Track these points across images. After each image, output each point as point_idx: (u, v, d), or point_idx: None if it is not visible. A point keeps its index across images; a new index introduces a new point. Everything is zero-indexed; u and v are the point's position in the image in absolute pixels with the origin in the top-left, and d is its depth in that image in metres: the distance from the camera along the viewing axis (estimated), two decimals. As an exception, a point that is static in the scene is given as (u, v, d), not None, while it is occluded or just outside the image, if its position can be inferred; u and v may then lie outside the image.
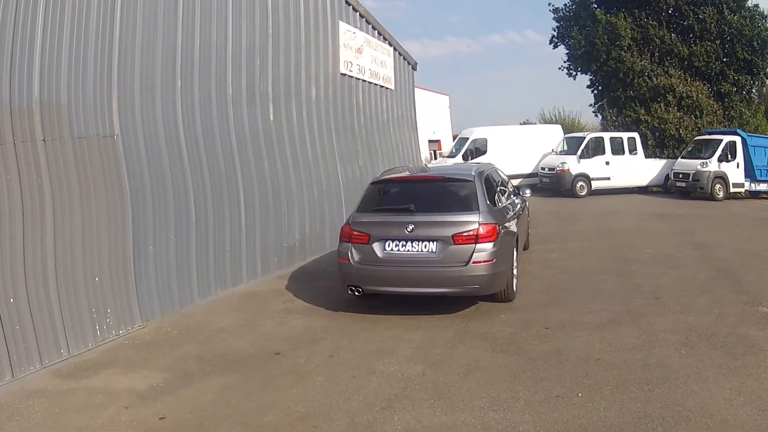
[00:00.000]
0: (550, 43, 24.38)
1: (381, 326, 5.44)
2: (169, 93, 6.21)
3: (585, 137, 18.24)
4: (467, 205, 5.67)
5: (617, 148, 17.92)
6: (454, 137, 26.08)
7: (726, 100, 21.07)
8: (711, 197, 16.00)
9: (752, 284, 6.59)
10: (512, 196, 7.49)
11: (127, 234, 5.53)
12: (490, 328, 5.30)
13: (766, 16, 20.74)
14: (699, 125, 19.77)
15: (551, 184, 17.71)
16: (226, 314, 6.00)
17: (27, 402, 3.97)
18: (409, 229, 5.50)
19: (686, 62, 21.29)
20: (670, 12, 21.99)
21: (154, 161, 5.93)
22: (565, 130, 21.17)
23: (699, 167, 16.25)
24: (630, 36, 21.15)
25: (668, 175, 17.61)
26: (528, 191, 8.28)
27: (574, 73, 23.73)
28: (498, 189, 6.67)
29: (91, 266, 5.12)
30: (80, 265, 5.01)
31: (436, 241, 5.46)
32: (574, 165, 17.43)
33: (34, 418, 3.77)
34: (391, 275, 5.51)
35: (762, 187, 16.82)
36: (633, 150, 18.02)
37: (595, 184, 17.54)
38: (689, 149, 17.66)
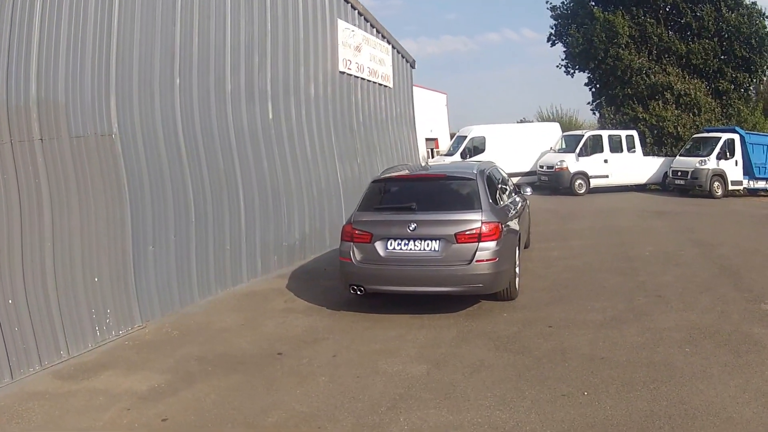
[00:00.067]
0: (548, 41, 24.36)
1: (383, 325, 5.40)
2: (167, 91, 6.16)
3: (583, 135, 18.24)
4: (469, 203, 5.63)
5: (616, 146, 17.92)
6: (451, 136, 26.06)
7: (724, 97, 21.07)
8: (709, 195, 16.03)
9: (754, 282, 6.59)
10: (513, 194, 7.46)
11: (126, 233, 5.47)
12: (494, 327, 5.27)
13: (763, 14, 20.74)
14: (697, 123, 19.77)
15: (550, 183, 17.71)
16: (226, 314, 5.95)
17: (27, 404, 3.92)
18: (411, 228, 5.47)
19: (684, 60, 21.29)
20: (667, 10, 21.98)
21: (152, 160, 5.87)
22: (563, 128, 21.17)
23: (697, 165, 16.27)
24: (628, 34, 21.13)
25: (666, 173, 17.62)
26: (529, 189, 8.26)
27: (572, 71, 23.70)
28: (499, 187, 6.64)
29: (90, 266, 5.07)
30: (79, 265, 4.96)
31: (439, 239, 5.42)
32: (572, 163, 17.43)
33: (35, 421, 3.72)
34: (394, 274, 5.47)
35: (760, 184, 16.87)
36: (631, 148, 18.02)
37: (593, 182, 17.55)
38: (687, 147, 17.68)
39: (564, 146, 18.45)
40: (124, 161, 5.49)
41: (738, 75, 21.00)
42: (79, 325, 4.90)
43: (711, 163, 16.16)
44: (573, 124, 28.85)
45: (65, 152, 4.90)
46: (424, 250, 5.45)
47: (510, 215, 6.24)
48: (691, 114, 20.11)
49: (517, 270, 6.16)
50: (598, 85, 23.27)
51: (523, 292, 6.27)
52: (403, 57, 13.70)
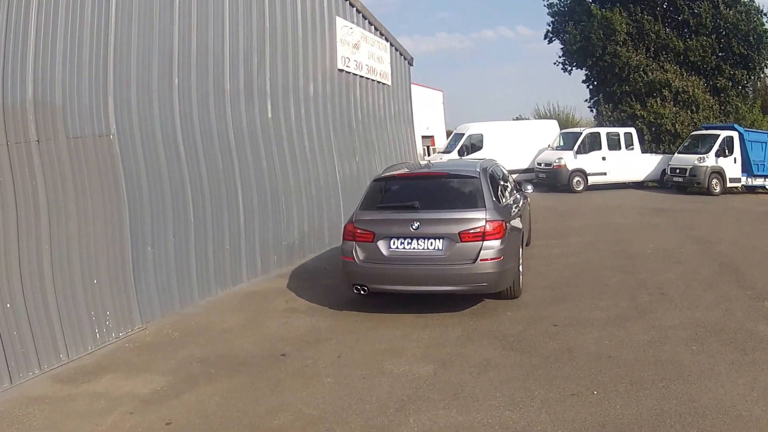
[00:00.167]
0: (545, 38, 24.37)
1: (387, 325, 5.35)
2: (165, 91, 6.09)
3: (582, 133, 18.25)
4: (473, 201, 5.59)
5: (614, 144, 17.93)
6: (448, 133, 26.03)
7: (722, 94, 21.08)
8: (708, 192, 16.06)
9: (756, 279, 6.57)
10: (515, 192, 7.42)
11: (125, 235, 5.40)
12: (499, 326, 5.23)
13: (761, 11, 20.78)
14: (695, 120, 19.80)
15: (548, 180, 17.71)
16: (227, 314, 5.89)
17: (27, 409, 3.85)
18: (414, 227, 5.42)
19: (682, 57, 21.30)
20: (665, 7, 22.01)
21: (151, 161, 5.80)
22: (560, 126, 21.17)
23: (696, 162, 16.29)
24: (625, 31, 21.13)
25: (665, 170, 17.65)
26: (530, 187, 8.22)
27: (570, 68, 23.71)
28: (502, 185, 6.60)
29: (89, 268, 5.00)
30: (77, 267, 4.89)
31: (443, 238, 5.38)
32: (570, 160, 17.43)
33: (36, 426, 3.65)
34: (398, 273, 5.43)
35: (758, 181, 16.90)
36: (630, 145, 18.03)
37: (591, 180, 17.56)
38: (686, 144, 17.71)
39: (562, 144, 18.45)
40: (122, 162, 5.41)
41: (736, 72, 21.01)
42: (79, 327, 4.83)
43: (710, 160, 16.18)
44: (570, 121, 28.89)
45: (62, 154, 4.82)
46: (428, 249, 5.40)
47: (513, 213, 6.20)
48: (689, 111, 20.13)
49: (520, 268, 6.12)
50: (595, 82, 23.30)
51: (525, 291, 6.24)
52: (401, 54, 13.65)
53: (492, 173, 6.30)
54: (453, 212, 5.50)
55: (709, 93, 20.84)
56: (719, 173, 16.25)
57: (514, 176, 8.40)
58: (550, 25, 24.04)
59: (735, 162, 16.44)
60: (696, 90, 20.29)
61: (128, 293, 5.39)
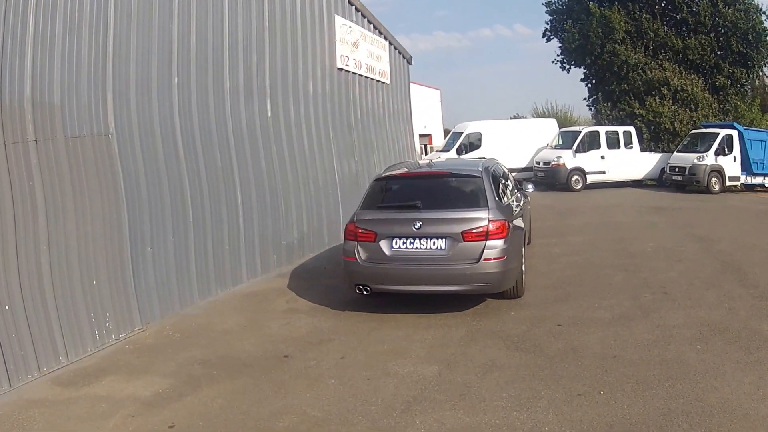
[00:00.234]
0: (543, 37, 24.37)
1: (390, 325, 5.31)
2: (165, 90, 6.03)
3: (581, 131, 18.24)
4: (475, 201, 5.55)
5: (613, 143, 17.92)
6: (445, 132, 25.98)
7: (721, 93, 21.08)
8: (707, 190, 16.07)
9: (758, 278, 6.56)
10: (516, 191, 7.40)
11: (124, 235, 5.35)
12: (502, 325, 5.20)
13: (761, 9, 20.78)
14: (694, 119, 19.80)
15: (546, 179, 17.69)
16: (228, 315, 5.84)
17: (27, 412, 3.80)
18: (416, 227, 5.38)
19: (681, 55, 21.31)
20: (663, 5, 22.01)
21: (149, 160, 5.74)
22: (558, 125, 21.16)
23: (695, 161, 16.29)
24: (624, 29, 21.13)
25: (664, 168, 17.65)
26: (530, 186, 8.20)
27: (568, 66, 23.71)
28: (504, 184, 6.57)
29: (88, 269, 4.94)
30: (76, 268, 4.83)
31: (445, 238, 5.34)
32: (569, 159, 17.42)
33: (36, 429, 3.60)
34: (400, 273, 5.39)
35: (758, 180, 16.91)
36: (629, 144, 18.03)
37: (590, 178, 17.56)
38: (685, 143, 17.72)
39: (561, 142, 18.44)
40: (121, 161, 5.36)
41: (735, 70, 21.01)
42: (78, 329, 4.78)
43: (709, 159, 16.19)
44: (568, 120, 28.87)
45: (60, 153, 4.76)
46: (431, 248, 5.36)
47: (515, 213, 6.18)
48: (687, 110, 20.14)
49: (523, 268, 6.09)
50: (594, 81, 23.30)
51: (528, 290, 6.21)
52: (399, 53, 13.61)
53: (494, 172, 6.27)
54: (455, 212, 5.46)
55: (707, 91, 20.85)
56: (718, 172, 16.26)
57: (513, 175, 8.36)
58: (548, 24, 24.08)
59: (734, 160, 16.46)
60: (695, 88, 20.30)
61: (128, 294, 5.34)
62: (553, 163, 17.56)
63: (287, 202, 8.18)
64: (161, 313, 5.71)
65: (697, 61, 21.15)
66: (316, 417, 3.62)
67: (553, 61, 24.27)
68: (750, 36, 20.51)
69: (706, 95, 20.57)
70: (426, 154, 24.58)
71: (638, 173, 18.12)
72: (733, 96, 21.11)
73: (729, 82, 21.13)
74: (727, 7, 20.49)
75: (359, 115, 11.00)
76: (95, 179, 5.08)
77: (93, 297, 4.95)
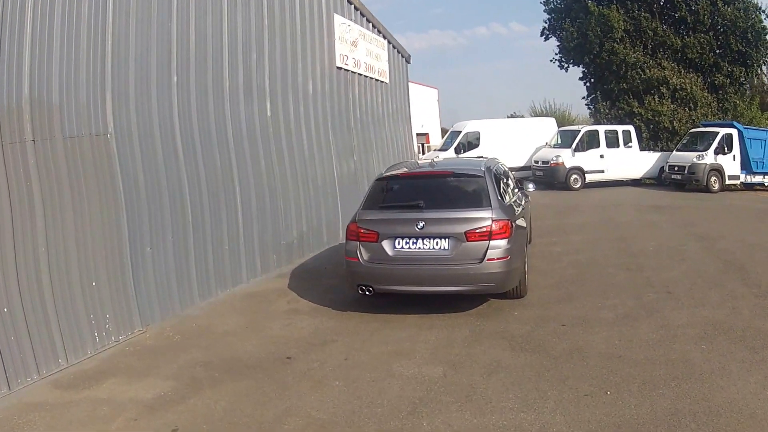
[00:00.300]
0: (541, 35, 24.30)
1: (393, 326, 5.27)
2: (164, 89, 5.98)
3: (580, 130, 18.21)
4: (478, 201, 5.52)
5: (612, 142, 17.90)
6: (443, 131, 25.94)
7: (720, 92, 21.03)
8: (706, 189, 16.06)
9: (761, 277, 6.55)
10: (517, 190, 7.37)
11: (123, 236, 5.30)
12: (506, 326, 5.17)
13: (760, 8, 20.76)
14: (693, 117, 19.78)
15: (545, 177, 17.65)
16: (229, 316, 5.80)
17: (27, 416, 3.74)
18: (419, 226, 5.34)
19: (680, 54, 21.28)
20: (662, 3, 21.97)
21: (148, 160, 5.69)
22: (556, 123, 21.14)
23: (695, 160, 16.29)
24: (623, 28, 21.09)
25: (663, 167, 17.65)
26: (531, 186, 8.16)
27: (566, 65, 23.67)
28: (505, 183, 6.54)
29: (87, 271, 4.89)
30: (75, 270, 4.78)
31: (448, 238, 5.30)
32: (568, 158, 17.40)
33: (37, 433, 3.55)
34: (403, 274, 5.35)
35: (757, 179, 16.90)
36: (628, 143, 18.02)
37: (589, 177, 17.53)
38: (684, 142, 17.70)
39: (560, 141, 18.42)
40: (119, 161, 5.30)
41: (734, 69, 20.95)
42: (78, 331, 4.73)
43: (709, 157, 16.18)
44: (566, 119, 28.85)
45: (58, 153, 4.71)
46: (434, 248, 5.32)
47: (518, 212, 6.14)
48: (686, 108, 20.11)
49: (525, 267, 6.06)
50: (592, 80, 23.26)
51: (531, 290, 6.18)
52: (398, 52, 13.57)
53: (496, 172, 6.24)
54: (458, 211, 5.42)
55: (707, 90, 20.82)
56: (718, 171, 16.25)
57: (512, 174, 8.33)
58: (546, 22, 24.02)
59: (734, 159, 16.45)
60: (694, 87, 20.28)
61: (127, 295, 5.29)
62: (552, 162, 17.54)
63: (286, 202, 8.14)
64: (161, 314, 5.66)
65: (696, 60, 21.13)
66: (321, 419, 3.58)
67: (551, 60, 24.27)
68: (749, 34, 20.49)
69: (705, 94, 20.55)
70: (423, 153, 24.53)
71: (637, 172, 18.11)
72: (733, 95, 21.08)
73: (728, 81, 21.10)
74: (726, 6, 20.46)
75: (358, 114, 10.96)
76: (94, 180, 5.03)
77: (92, 298, 4.90)
